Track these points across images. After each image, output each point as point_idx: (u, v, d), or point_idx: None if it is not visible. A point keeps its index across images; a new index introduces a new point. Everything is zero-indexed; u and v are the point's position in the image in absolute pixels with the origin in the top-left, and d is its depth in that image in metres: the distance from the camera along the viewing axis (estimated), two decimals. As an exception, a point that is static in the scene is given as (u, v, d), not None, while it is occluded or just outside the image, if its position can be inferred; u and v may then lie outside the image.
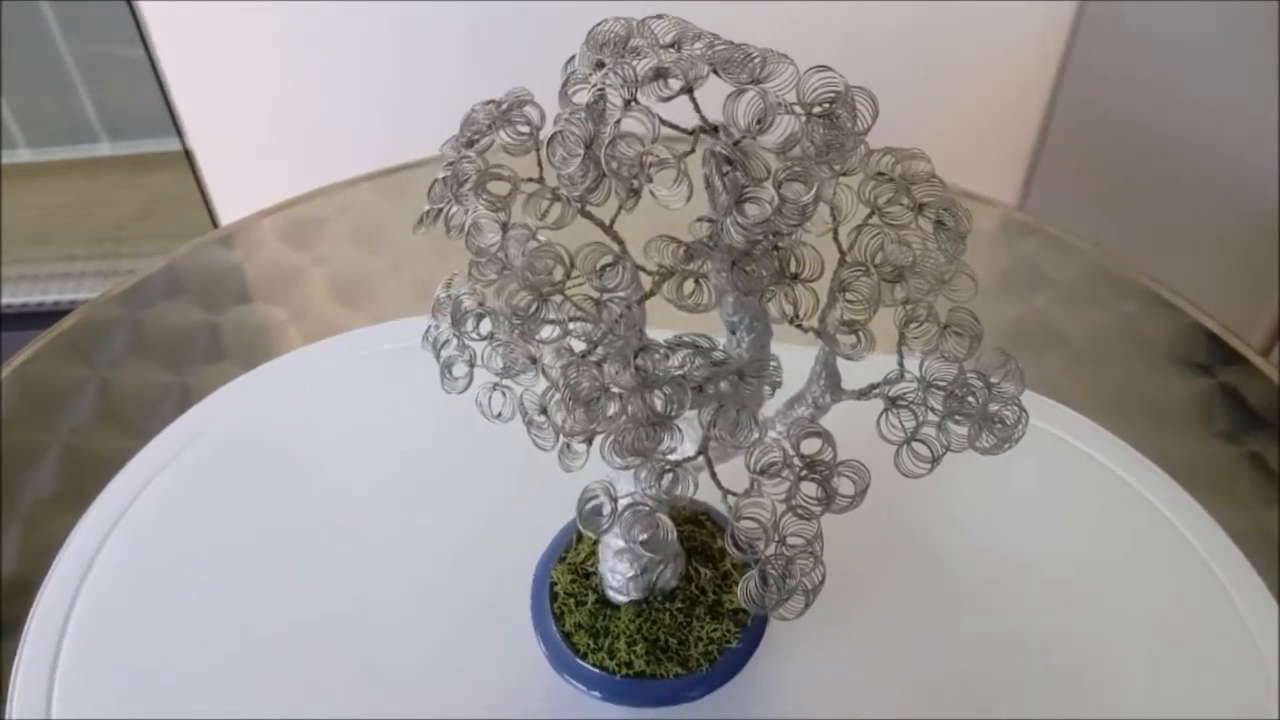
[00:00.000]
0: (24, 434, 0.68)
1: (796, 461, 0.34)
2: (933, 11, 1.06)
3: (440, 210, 0.38)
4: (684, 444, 0.36)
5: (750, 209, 0.31)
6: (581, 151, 0.32)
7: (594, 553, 0.54)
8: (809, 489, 0.35)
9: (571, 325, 0.32)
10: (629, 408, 0.32)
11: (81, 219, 1.52)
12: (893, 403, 0.37)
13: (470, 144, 0.37)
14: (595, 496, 0.35)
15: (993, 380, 0.38)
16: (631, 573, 0.52)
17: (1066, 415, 0.66)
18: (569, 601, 0.53)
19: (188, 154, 1.25)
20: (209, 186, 1.25)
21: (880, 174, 0.34)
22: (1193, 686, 0.55)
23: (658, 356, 0.32)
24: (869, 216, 0.34)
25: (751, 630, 0.52)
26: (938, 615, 0.58)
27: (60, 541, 0.60)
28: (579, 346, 0.36)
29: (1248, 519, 0.61)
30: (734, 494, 0.35)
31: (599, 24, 0.33)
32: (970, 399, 0.37)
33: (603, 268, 0.33)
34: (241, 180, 1.22)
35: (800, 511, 0.34)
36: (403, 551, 0.61)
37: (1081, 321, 0.73)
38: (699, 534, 0.55)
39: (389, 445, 0.67)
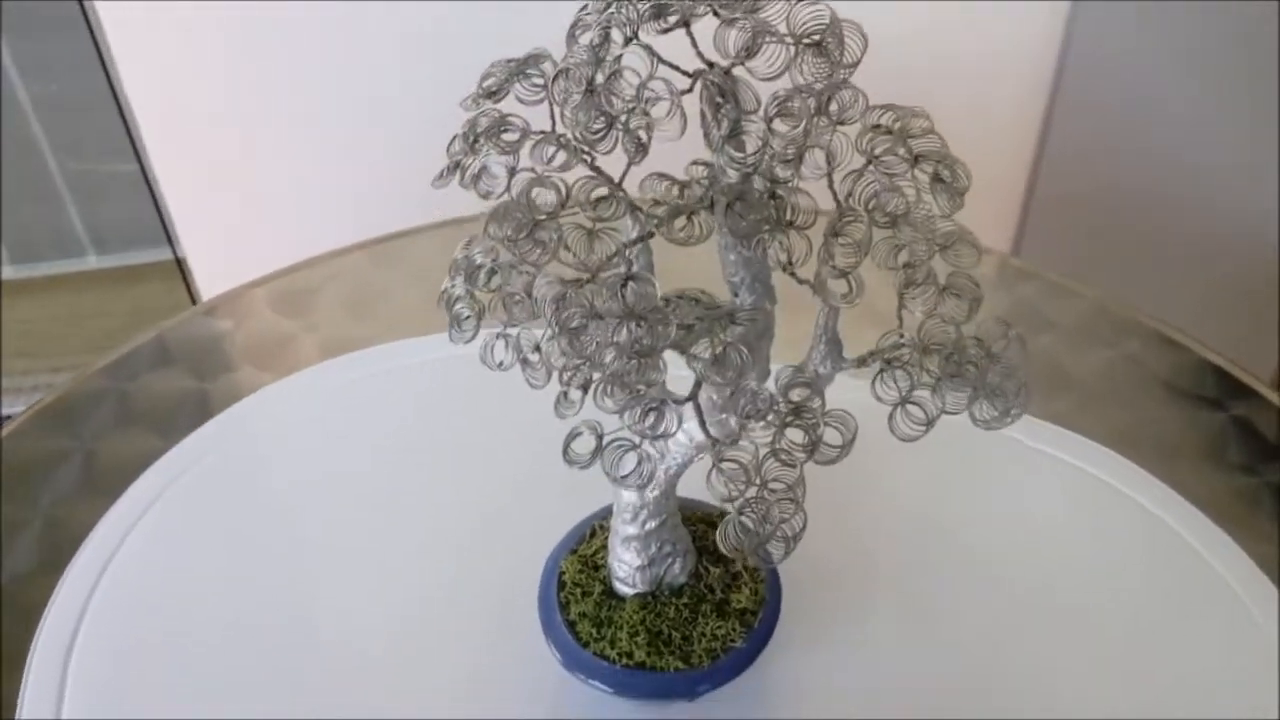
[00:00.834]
0: (6, 508, 0.66)
1: (782, 407, 0.34)
2: (916, 69, 1.07)
3: (458, 163, 0.40)
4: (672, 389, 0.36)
5: (742, 142, 0.32)
6: (582, 88, 0.34)
7: (605, 546, 0.54)
8: (795, 436, 0.35)
9: (564, 255, 0.33)
10: (614, 336, 0.32)
11: (69, 331, 1.52)
12: (888, 364, 0.37)
13: (489, 96, 0.39)
14: (580, 433, 0.35)
15: (992, 349, 0.37)
16: (639, 563, 0.51)
17: (1079, 442, 0.66)
18: (575, 591, 0.53)
19: (179, 263, 1.26)
20: (201, 294, 1.26)
21: (878, 126, 0.34)
22: (1213, 701, 0.53)
23: (646, 287, 0.33)
24: (865, 166, 0.34)
25: (758, 631, 0.51)
26: (949, 630, 0.57)
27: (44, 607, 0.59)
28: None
29: (1270, 547, 0.59)
30: (720, 441, 0.35)
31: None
32: (970, 366, 0.37)
33: (597, 199, 0.33)
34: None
35: (784, 457, 0.34)
36: (413, 545, 0.62)
37: (1088, 361, 0.73)
38: (711, 534, 0.54)
39: (402, 448, 0.68)
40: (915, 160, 0.34)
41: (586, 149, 0.36)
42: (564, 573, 0.54)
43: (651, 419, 0.34)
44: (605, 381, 0.34)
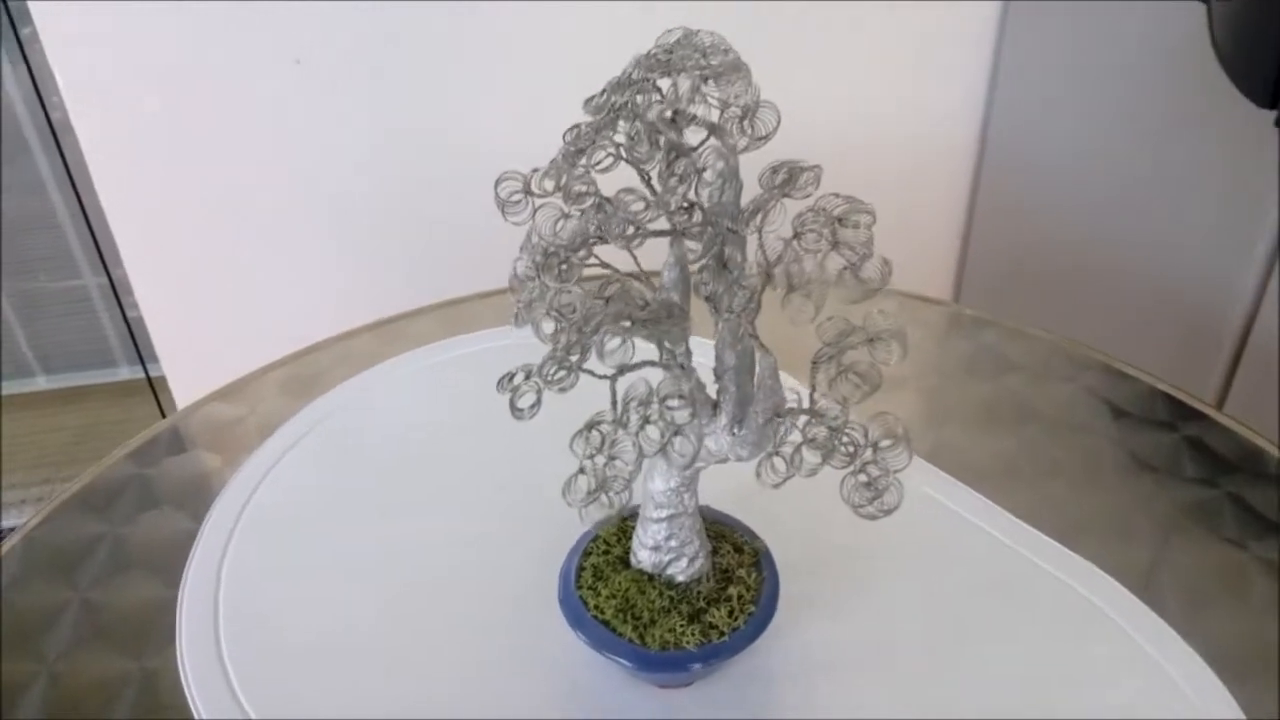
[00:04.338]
0: (44, 594, 0.68)
1: (655, 404, 0.41)
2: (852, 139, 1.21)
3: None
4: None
5: (674, 180, 0.39)
6: (611, 114, 0.42)
7: (641, 524, 0.61)
8: (652, 433, 0.41)
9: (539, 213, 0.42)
10: (549, 294, 0.41)
11: (19, 449, 1.54)
12: (771, 419, 0.41)
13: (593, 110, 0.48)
14: (514, 373, 0.44)
15: (881, 443, 0.40)
16: (649, 543, 0.58)
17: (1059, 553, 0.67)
18: (599, 547, 0.61)
19: (150, 382, 1.33)
20: (176, 403, 1.31)
21: (817, 209, 0.39)
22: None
23: (575, 267, 0.41)
24: (791, 238, 0.39)
25: (717, 646, 0.56)
26: (895, 682, 0.60)
27: (86, 687, 0.62)
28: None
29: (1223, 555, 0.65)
30: (616, 421, 0.42)
31: (666, 32, 0.42)
32: (846, 446, 0.40)
33: (578, 194, 0.42)
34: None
35: (638, 444, 0.40)
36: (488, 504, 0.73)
37: (1049, 394, 0.82)
38: (731, 557, 0.59)
39: (468, 447, 0.78)
40: (835, 245, 0.39)
41: (633, 164, 0.44)
42: (601, 533, 0.62)
43: (560, 374, 0.42)
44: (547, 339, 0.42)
